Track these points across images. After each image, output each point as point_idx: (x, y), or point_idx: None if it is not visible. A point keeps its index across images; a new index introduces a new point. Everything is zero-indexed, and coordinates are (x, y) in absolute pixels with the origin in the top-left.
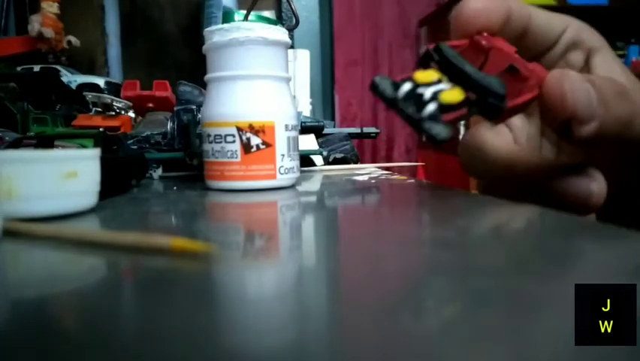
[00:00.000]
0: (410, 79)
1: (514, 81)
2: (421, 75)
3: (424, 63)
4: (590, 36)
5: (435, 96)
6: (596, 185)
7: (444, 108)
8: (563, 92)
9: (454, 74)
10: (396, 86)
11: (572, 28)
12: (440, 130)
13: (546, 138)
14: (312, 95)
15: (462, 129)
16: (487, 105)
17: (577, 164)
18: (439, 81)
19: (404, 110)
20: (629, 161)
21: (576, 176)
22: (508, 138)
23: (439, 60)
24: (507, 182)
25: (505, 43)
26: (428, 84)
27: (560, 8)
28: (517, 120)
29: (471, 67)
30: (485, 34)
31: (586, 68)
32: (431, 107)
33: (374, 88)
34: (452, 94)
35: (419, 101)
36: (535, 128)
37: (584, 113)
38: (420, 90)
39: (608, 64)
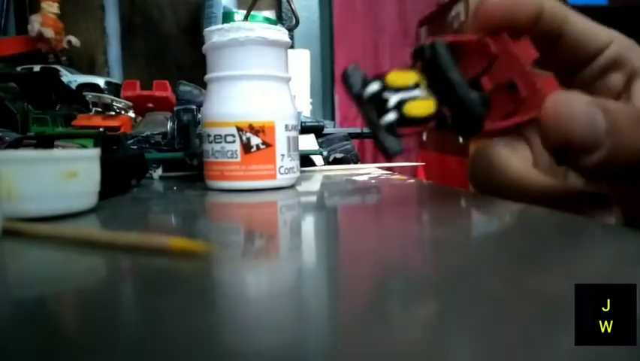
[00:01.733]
0: (382, 79)
1: (511, 99)
2: (396, 77)
3: (415, 57)
4: (637, 56)
5: (400, 105)
6: (612, 220)
7: (406, 120)
8: (557, 116)
9: (437, 78)
10: (366, 82)
11: (617, 44)
12: (392, 144)
13: (557, 172)
14: (312, 95)
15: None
16: (462, 123)
17: (597, 194)
18: (415, 86)
19: (365, 111)
20: None
21: (592, 207)
22: (526, 158)
23: (429, 58)
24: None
25: (528, 46)
26: (398, 89)
27: None
28: (521, 146)
29: (459, 75)
30: (505, 34)
31: (625, 93)
32: (390, 117)
33: (345, 79)
34: (421, 105)
35: (382, 107)
36: (544, 157)
37: (582, 140)
38: (386, 95)
39: None
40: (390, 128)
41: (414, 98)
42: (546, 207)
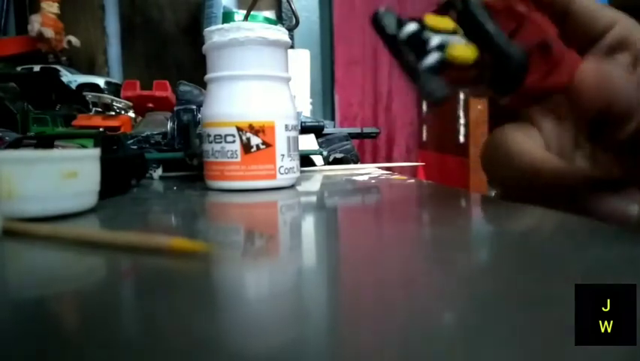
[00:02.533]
0: (419, 20)
1: (543, 62)
2: (433, 19)
3: (444, 9)
4: None
5: (441, 47)
6: (636, 207)
7: (449, 65)
8: (600, 80)
9: (472, 31)
10: (402, 23)
11: (621, 26)
12: (436, 88)
13: (581, 150)
14: (312, 95)
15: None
16: (503, 75)
17: (615, 180)
18: (452, 33)
19: (403, 53)
20: None
21: (613, 194)
22: (539, 142)
23: (460, 10)
24: (530, 191)
25: (546, 20)
26: (438, 31)
27: None
28: (549, 125)
29: (495, 27)
30: (528, 1)
31: (632, 75)
32: (433, 58)
33: (375, 21)
34: (463, 50)
35: (421, 48)
36: (569, 137)
37: (622, 107)
38: (426, 35)
39: None
40: (433, 70)
41: (454, 42)
42: (564, 193)
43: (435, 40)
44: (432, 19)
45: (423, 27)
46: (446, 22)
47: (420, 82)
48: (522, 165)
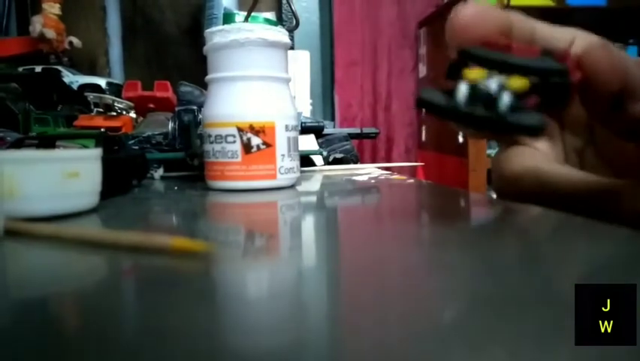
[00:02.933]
0: (460, 81)
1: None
2: (472, 73)
3: (452, 74)
4: None
5: (502, 88)
6: None
7: (518, 96)
8: (611, 58)
9: (499, 69)
10: (448, 92)
11: (580, 39)
12: (532, 118)
13: (570, 163)
14: (312, 96)
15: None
16: (553, 86)
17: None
18: (488, 77)
19: (473, 113)
20: None
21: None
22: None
23: (476, 60)
24: (557, 208)
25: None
26: (485, 80)
27: (559, 9)
28: (541, 145)
29: (514, 56)
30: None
31: None
32: (507, 98)
33: (422, 103)
34: (517, 81)
35: (487, 99)
36: (559, 151)
37: (636, 83)
38: (481, 87)
39: None
40: (516, 107)
41: (506, 79)
42: (585, 203)
43: (493, 85)
44: (472, 74)
45: (470, 84)
46: (481, 72)
47: (514, 123)
48: (543, 182)
